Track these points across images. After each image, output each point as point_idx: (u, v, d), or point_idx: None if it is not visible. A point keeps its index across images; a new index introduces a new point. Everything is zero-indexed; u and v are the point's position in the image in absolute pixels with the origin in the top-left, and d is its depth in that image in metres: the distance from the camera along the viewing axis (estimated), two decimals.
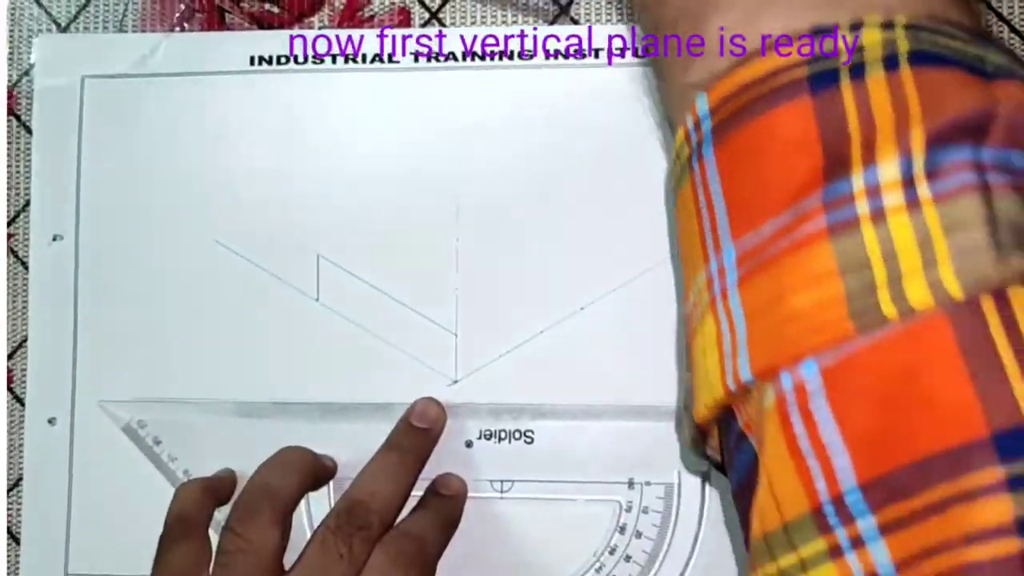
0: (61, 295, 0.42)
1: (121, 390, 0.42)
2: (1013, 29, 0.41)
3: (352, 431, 0.41)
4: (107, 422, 0.42)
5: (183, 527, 0.38)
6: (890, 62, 0.21)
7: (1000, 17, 0.41)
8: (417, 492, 0.39)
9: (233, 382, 0.41)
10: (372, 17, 0.43)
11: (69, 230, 0.42)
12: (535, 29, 0.42)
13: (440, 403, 0.40)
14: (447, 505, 0.40)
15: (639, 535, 0.40)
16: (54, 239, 0.42)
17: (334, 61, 0.42)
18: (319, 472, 0.40)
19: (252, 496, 0.38)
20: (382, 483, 0.38)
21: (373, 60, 0.42)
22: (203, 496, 0.39)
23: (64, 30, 0.44)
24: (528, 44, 0.42)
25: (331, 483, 0.40)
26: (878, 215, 0.20)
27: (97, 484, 0.42)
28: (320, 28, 0.43)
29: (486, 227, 0.41)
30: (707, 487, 0.39)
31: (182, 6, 0.43)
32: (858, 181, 0.20)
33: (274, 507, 0.37)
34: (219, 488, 0.40)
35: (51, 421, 0.42)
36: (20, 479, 0.42)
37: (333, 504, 0.39)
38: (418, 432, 0.40)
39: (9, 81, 0.43)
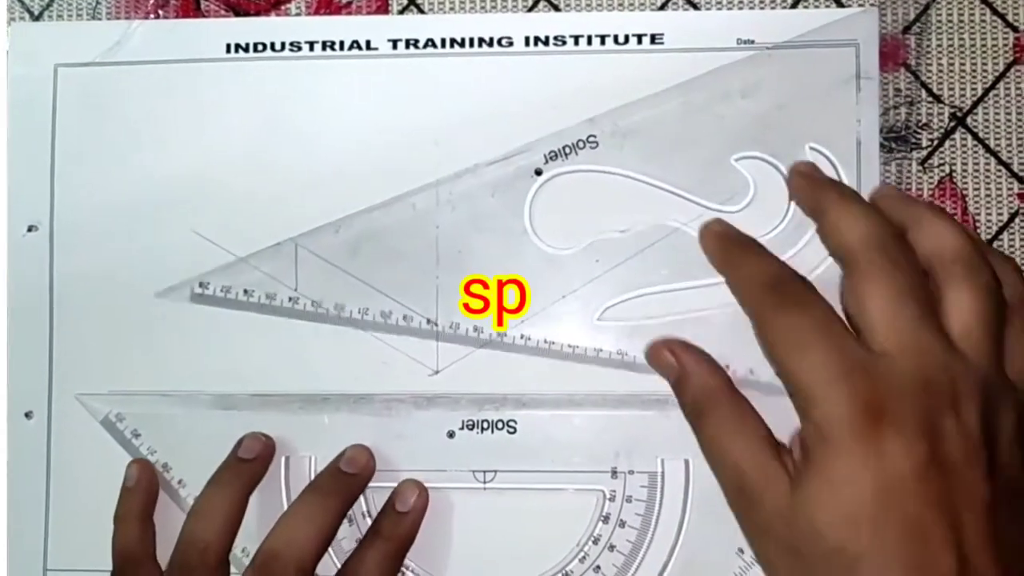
0: (36, 286, 0.42)
1: (99, 383, 0.41)
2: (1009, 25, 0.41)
3: (332, 423, 0.40)
4: (85, 415, 0.41)
5: (131, 565, 0.39)
6: None
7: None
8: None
9: (212, 374, 0.41)
10: (350, 4, 0.42)
11: (44, 220, 0.42)
12: (515, 16, 0.41)
13: (371, 453, 0.40)
14: (400, 527, 0.39)
15: (623, 524, 0.40)
16: (29, 229, 0.42)
17: (311, 49, 0.42)
18: (252, 483, 0.39)
19: (185, 555, 0.38)
20: (300, 527, 0.37)
21: (351, 47, 0.42)
22: (140, 526, 0.40)
23: (37, 18, 0.43)
24: (508, 31, 0.41)
25: (312, 471, 0.40)
26: None
27: (75, 479, 0.41)
28: (297, 15, 0.42)
29: (466, 215, 0.41)
30: (691, 475, 0.39)
31: None
32: None
33: (206, 563, 0.37)
34: (149, 501, 0.40)
35: (27, 415, 0.41)
36: None
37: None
38: (344, 476, 0.39)
39: None
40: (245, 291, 0.41)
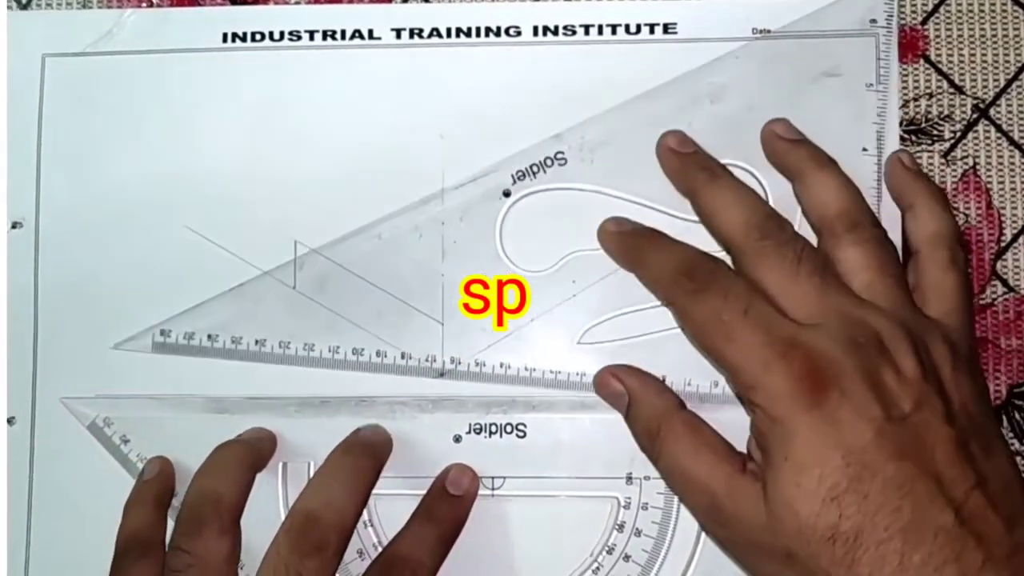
0: (20, 285, 0.40)
1: (85, 386, 0.39)
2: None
3: (332, 427, 0.38)
4: (70, 420, 0.39)
5: (140, 546, 0.36)
6: None
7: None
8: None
9: (205, 376, 0.39)
10: None
11: (29, 216, 0.40)
12: (523, 4, 0.40)
13: (386, 432, 0.38)
14: (451, 511, 0.37)
15: (638, 533, 0.38)
16: (13, 226, 0.40)
17: (311, 38, 0.40)
18: (259, 460, 0.38)
19: (195, 508, 0.35)
20: (337, 490, 0.35)
21: (352, 37, 0.40)
22: (155, 513, 0.37)
23: (25, 7, 0.41)
24: (516, 20, 0.40)
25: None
26: None
27: (60, 486, 0.39)
28: (297, 3, 0.41)
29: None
30: None
31: None
32: None
33: (220, 515, 0.35)
34: (165, 492, 0.38)
35: (10, 421, 0.39)
36: None
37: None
38: (371, 440, 0.38)
39: None
40: (209, 336, 0.39)
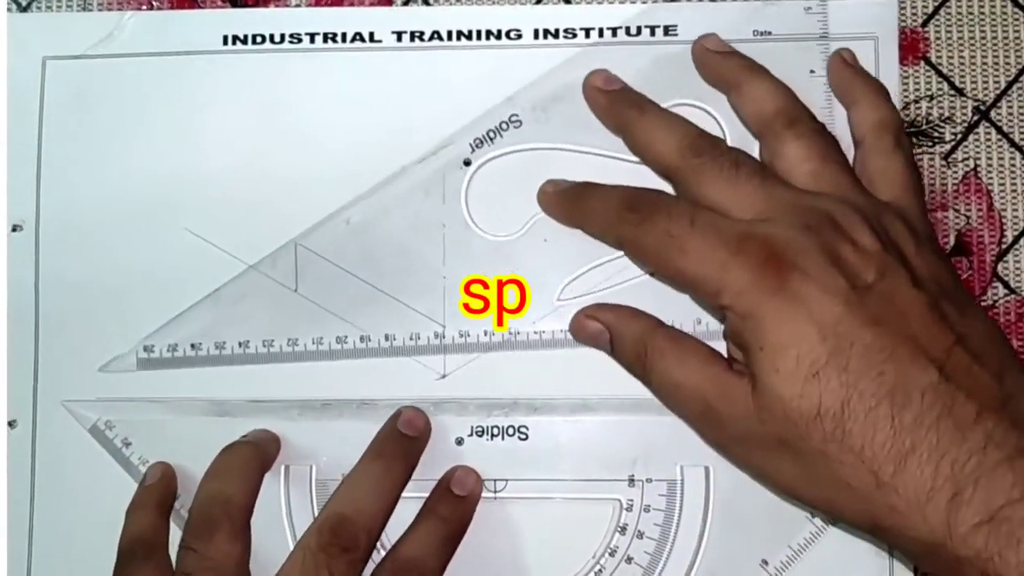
0: (21, 288, 0.40)
1: (87, 389, 0.39)
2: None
3: (334, 430, 0.38)
4: (72, 423, 0.39)
5: (144, 549, 0.36)
6: None
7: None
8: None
9: (206, 379, 0.39)
10: None
11: (29, 219, 0.40)
12: (524, 7, 0.40)
13: (426, 416, 0.38)
14: (456, 511, 0.37)
15: (641, 535, 0.38)
16: (13, 229, 0.40)
17: (312, 41, 0.40)
18: (266, 461, 0.38)
19: (206, 509, 0.35)
20: (369, 496, 0.35)
21: (353, 40, 0.40)
22: (158, 517, 0.37)
23: (25, 9, 0.41)
24: (517, 23, 0.40)
25: (312, 485, 0.38)
26: None
27: (62, 490, 0.39)
28: (297, 6, 0.41)
29: (474, 212, 0.39)
30: (712, 483, 0.37)
31: None
32: None
33: (231, 517, 0.35)
34: (167, 497, 0.38)
35: (11, 424, 0.39)
36: None
37: (316, 506, 0.37)
38: (405, 438, 0.37)
39: None
40: (192, 345, 0.39)
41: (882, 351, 0.30)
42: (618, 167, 0.39)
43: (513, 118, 0.39)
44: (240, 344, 0.39)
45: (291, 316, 0.39)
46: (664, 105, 0.38)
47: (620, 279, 0.38)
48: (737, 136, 0.38)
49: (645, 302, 0.38)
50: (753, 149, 0.37)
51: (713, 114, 0.39)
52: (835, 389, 0.30)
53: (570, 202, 0.38)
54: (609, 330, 0.36)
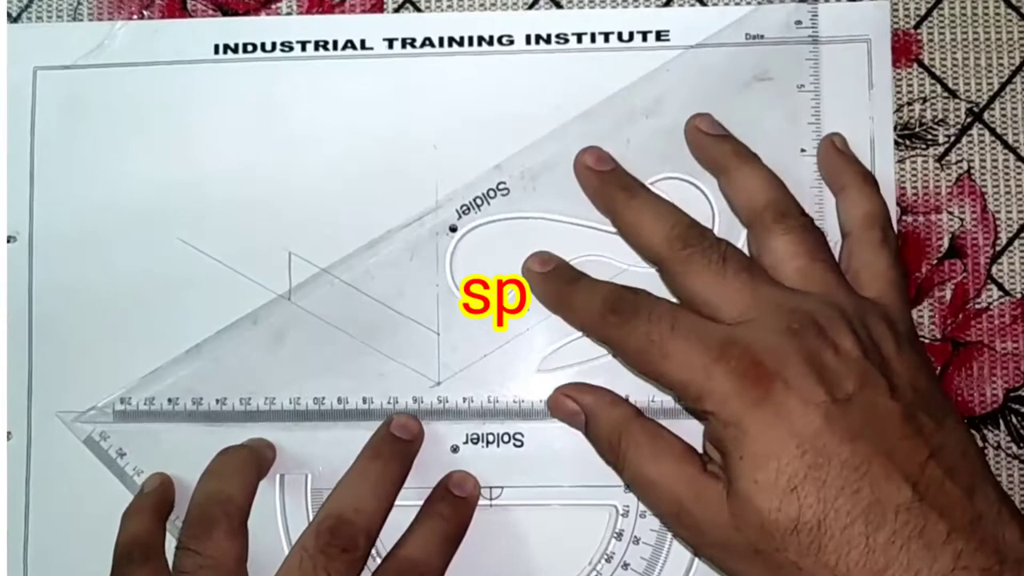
0: (15, 299, 0.40)
1: (81, 400, 0.39)
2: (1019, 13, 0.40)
3: (329, 439, 0.38)
4: (67, 434, 0.39)
5: (141, 552, 0.36)
6: None
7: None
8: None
9: (201, 388, 0.39)
10: (343, 2, 0.41)
11: (23, 230, 0.40)
12: (516, 13, 0.40)
13: (418, 420, 0.38)
14: (456, 512, 0.37)
15: (637, 541, 0.38)
16: (8, 240, 0.40)
17: (303, 49, 0.40)
18: (263, 466, 0.38)
19: (204, 509, 0.35)
20: (367, 496, 0.35)
21: (345, 47, 0.40)
22: (155, 521, 0.37)
23: (15, 20, 0.41)
24: (509, 29, 0.40)
25: (308, 494, 0.38)
26: None
27: (57, 501, 0.39)
28: (288, 14, 0.41)
29: (468, 219, 0.39)
30: None
31: None
32: None
33: (229, 517, 0.35)
34: (164, 504, 0.38)
35: (7, 435, 0.39)
36: None
37: (312, 514, 0.37)
38: (399, 441, 0.37)
39: None
40: (169, 400, 0.39)
41: (858, 469, 0.30)
42: (605, 238, 0.38)
43: (501, 186, 0.39)
44: (217, 401, 0.39)
45: (270, 373, 0.39)
46: (654, 178, 0.38)
47: (600, 353, 0.38)
48: (726, 212, 0.38)
49: (626, 377, 0.37)
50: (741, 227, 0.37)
51: (703, 189, 0.38)
52: (812, 504, 0.30)
53: (553, 295, 0.38)
54: (585, 412, 0.36)
